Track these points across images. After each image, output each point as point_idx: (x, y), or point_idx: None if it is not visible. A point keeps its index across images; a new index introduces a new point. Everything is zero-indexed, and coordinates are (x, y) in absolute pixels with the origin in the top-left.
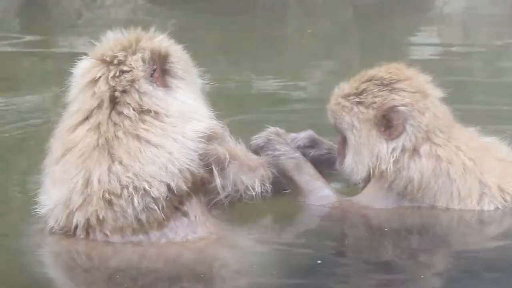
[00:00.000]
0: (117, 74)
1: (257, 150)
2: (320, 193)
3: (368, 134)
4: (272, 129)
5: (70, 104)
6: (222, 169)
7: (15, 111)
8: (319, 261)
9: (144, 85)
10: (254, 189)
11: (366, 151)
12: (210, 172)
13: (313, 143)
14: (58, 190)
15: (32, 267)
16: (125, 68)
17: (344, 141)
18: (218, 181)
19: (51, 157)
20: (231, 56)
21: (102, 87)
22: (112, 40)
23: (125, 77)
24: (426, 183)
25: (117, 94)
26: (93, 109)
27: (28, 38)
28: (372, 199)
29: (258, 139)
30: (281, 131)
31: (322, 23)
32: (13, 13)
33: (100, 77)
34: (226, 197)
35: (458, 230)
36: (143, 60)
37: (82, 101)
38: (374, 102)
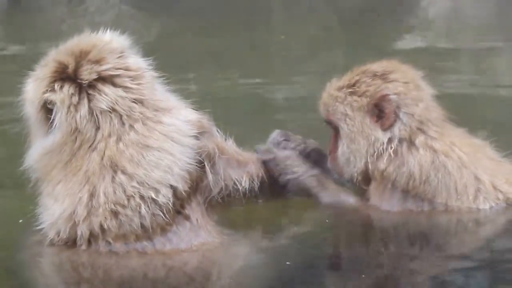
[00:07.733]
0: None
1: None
2: (346, 203)
3: (361, 121)
4: (285, 152)
5: (59, 132)
6: (213, 165)
7: None
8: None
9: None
10: (241, 184)
11: (361, 138)
12: (202, 168)
13: (287, 138)
14: (60, 205)
15: (31, 280)
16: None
17: (336, 136)
18: (210, 177)
19: (50, 181)
20: (216, 61)
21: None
22: (78, 54)
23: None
24: (426, 175)
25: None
26: (86, 128)
27: (11, 46)
28: (378, 201)
29: (278, 164)
30: (292, 154)
31: (306, 27)
32: None
33: (81, 96)
34: (218, 193)
35: (457, 235)
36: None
37: (71, 126)
38: (367, 91)
